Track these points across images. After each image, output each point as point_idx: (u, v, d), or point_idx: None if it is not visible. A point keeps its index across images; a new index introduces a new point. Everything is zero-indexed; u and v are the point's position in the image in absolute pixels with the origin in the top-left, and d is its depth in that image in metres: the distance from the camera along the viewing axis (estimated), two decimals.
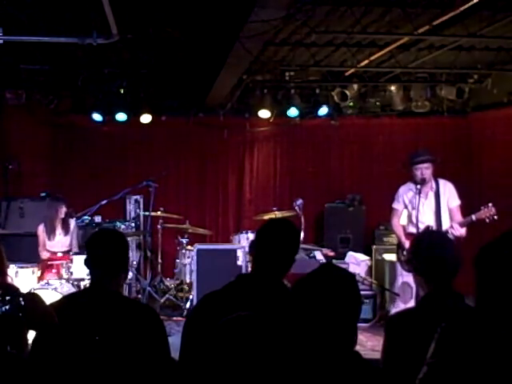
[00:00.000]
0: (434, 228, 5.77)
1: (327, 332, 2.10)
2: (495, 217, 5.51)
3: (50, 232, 7.06)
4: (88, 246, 2.91)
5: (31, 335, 2.41)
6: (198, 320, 2.65)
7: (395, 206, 6.18)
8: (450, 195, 5.96)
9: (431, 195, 5.95)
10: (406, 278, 5.75)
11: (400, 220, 6.21)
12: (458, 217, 5.85)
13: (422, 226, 5.77)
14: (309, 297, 2.14)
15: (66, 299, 2.90)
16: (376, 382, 2.11)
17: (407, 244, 5.83)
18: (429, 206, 5.93)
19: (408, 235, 5.96)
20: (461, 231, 5.66)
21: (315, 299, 2.12)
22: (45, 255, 7.01)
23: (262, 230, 2.86)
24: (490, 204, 5.57)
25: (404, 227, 6.13)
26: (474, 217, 5.62)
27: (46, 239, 7.06)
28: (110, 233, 3.18)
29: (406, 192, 6.08)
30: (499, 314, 1.86)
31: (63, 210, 7.06)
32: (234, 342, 2.03)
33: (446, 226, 5.82)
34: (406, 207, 6.08)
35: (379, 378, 2.15)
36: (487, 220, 5.53)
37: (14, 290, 2.87)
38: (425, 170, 5.85)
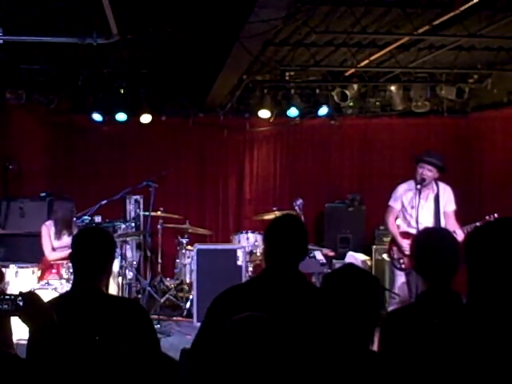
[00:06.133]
0: None
1: (349, 330, 2.14)
2: None
3: (61, 232, 6.74)
4: (72, 243, 2.92)
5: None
6: (220, 310, 2.71)
7: (392, 204, 6.13)
8: (447, 199, 5.97)
9: (431, 198, 5.94)
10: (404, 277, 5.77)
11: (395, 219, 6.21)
12: (452, 221, 5.87)
13: (420, 227, 5.77)
14: (334, 295, 2.19)
15: (53, 301, 2.88)
16: (390, 381, 2.14)
17: (403, 243, 5.83)
18: (428, 208, 5.92)
19: (403, 234, 5.96)
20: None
21: (340, 298, 2.17)
22: (54, 256, 6.60)
23: (275, 225, 2.96)
24: (496, 215, 5.48)
25: (398, 226, 6.12)
26: (479, 224, 5.58)
27: (54, 239, 6.73)
28: (91, 233, 3.02)
29: (405, 192, 6.05)
30: (489, 301, 1.87)
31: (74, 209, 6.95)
32: (245, 341, 2.06)
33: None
34: (403, 206, 6.06)
35: (393, 377, 2.17)
36: None
37: None
38: (427, 171, 5.81)
